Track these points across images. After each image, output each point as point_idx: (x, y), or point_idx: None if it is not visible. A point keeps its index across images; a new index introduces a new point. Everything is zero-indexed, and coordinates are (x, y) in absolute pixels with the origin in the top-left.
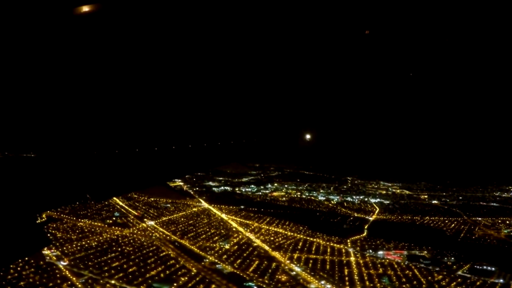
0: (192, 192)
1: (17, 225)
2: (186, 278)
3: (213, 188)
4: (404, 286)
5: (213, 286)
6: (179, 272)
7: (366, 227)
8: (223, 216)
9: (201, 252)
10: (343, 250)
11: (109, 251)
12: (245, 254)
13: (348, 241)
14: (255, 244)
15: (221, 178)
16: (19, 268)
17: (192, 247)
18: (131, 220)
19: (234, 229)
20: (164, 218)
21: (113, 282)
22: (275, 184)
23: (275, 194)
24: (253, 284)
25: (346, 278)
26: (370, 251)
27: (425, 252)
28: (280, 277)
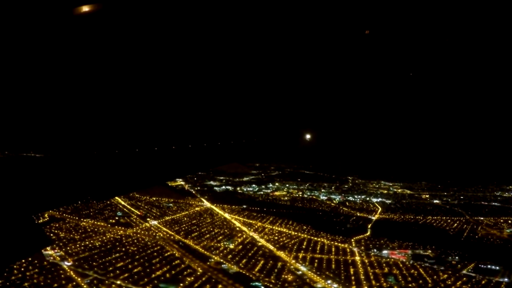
0: (193, 192)
1: (16, 225)
2: (192, 278)
3: (215, 188)
4: (410, 285)
5: (220, 286)
6: (185, 272)
7: (369, 226)
8: (226, 215)
9: (206, 252)
10: (348, 250)
11: (113, 251)
12: (250, 254)
13: (352, 240)
14: (259, 244)
15: (222, 178)
16: (22, 269)
17: (197, 247)
18: (134, 220)
19: (237, 228)
20: (167, 218)
21: (118, 282)
22: (276, 184)
23: (276, 193)
24: (260, 284)
25: (352, 278)
26: (375, 250)
27: (429, 251)
28: (286, 276)
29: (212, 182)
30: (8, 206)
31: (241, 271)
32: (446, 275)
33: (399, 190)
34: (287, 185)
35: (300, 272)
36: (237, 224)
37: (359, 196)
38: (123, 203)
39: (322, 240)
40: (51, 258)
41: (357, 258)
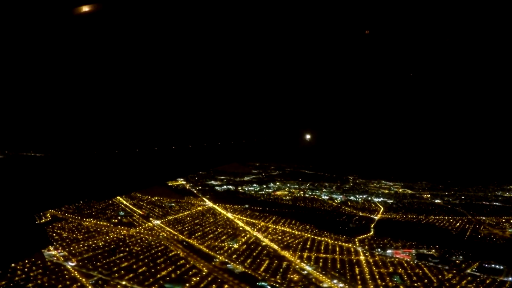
0: (195, 191)
1: (17, 225)
2: (198, 278)
3: (216, 187)
4: (416, 284)
5: (226, 286)
6: (190, 272)
7: (372, 226)
8: (229, 215)
9: (210, 252)
10: (352, 249)
11: (117, 251)
12: (254, 254)
13: (356, 240)
14: (263, 244)
15: (223, 177)
16: (26, 269)
17: (201, 247)
18: (137, 219)
19: (241, 228)
20: (169, 217)
21: (123, 283)
22: (277, 183)
23: (278, 193)
24: (266, 284)
25: (358, 277)
26: (379, 250)
27: (433, 251)
28: (292, 276)
29: (213, 182)
30: (8, 206)
31: (246, 271)
32: (451, 275)
33: (400, 190)
34: (288, 185)
35: (306, 272)
36: (240, 223)
37: (361, 196)
38: (125, 202)
39: (326, 239)
40: (55, 258)
41: (362, 257)
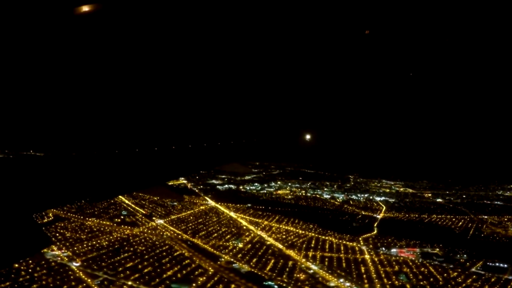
0: (197, 190)
1: (16, 225)
2: (204, 278)
3: (218, 186)
4: (421, 283)
5: (233, 286)
6: (196, 272)
7: (375, 225)
8: (232, 214)
9: (215, 251)
10: (357, 248)
11: (122, 250)
12: (260, 253)
13: (360, 239)
14: (268, 243)
15: (224, 176)
16: (30, 270)
17: (206, 246)
18: (140, 219)
19: (244, 227)
20: (172, 217)
21: (130, 283)
22: (279, 182)
23: (280, 192)
24: (273, 284)
25: (364, 276)
26: (383, 248)
27: (437, 249)
28: (298, 275)
29: (214, 181)
30: (8, 206)
31: (252, 270)
32: (456, 273)
33: (401, 189)
34: (289, 184)
35: (312, 271)
36: (244, 223)
37: (362, 195)
38: (127, 201)
39: (330, 238)
40: (59, 258)
41: (367, 256)
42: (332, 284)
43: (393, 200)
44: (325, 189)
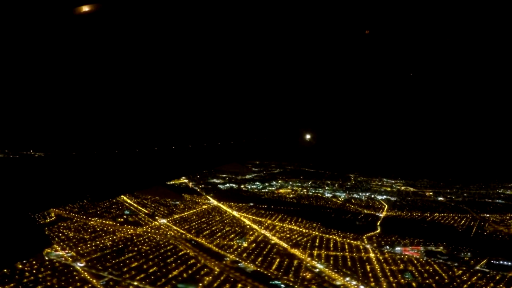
0: (198, 189)
1: (16, 225)
2: (210, 277)
3: (219, 186)
4: (427, 281)
5: (239, 285)
6: (202, 272)
7: (378, 223)
8: (235, 213)
9: (220, 251)
10: (361, 247)
11: (126, 250)
12: (264, 252)
13: (364, 237)
14: (272, 242)
15: (224, 175)
16: (34, 271)
17: (210, 246)
18: (143, 218)
19: (248, 226)
20: (175, 216)
21: (135, 283)
22: (280, 181)
23: (281, 191)
24: (280, 283)
25: (370, 275)
26: (387, 247)
27: (441, 248)
28: (304, 274)
29: (215, 180)
30: (8, 206)
31: (258, 269)
32: (460, 271)
33: (402, 188)
34: (290, 183)
35: (318, 270)
36: (247, 222)
37: (364, 194)
38: (129, 201)
39: (334, 237)
40: (63, 259)
41: (372, 255)
42: (338, 283)
43: (395, 199)
44: (327, 188)
